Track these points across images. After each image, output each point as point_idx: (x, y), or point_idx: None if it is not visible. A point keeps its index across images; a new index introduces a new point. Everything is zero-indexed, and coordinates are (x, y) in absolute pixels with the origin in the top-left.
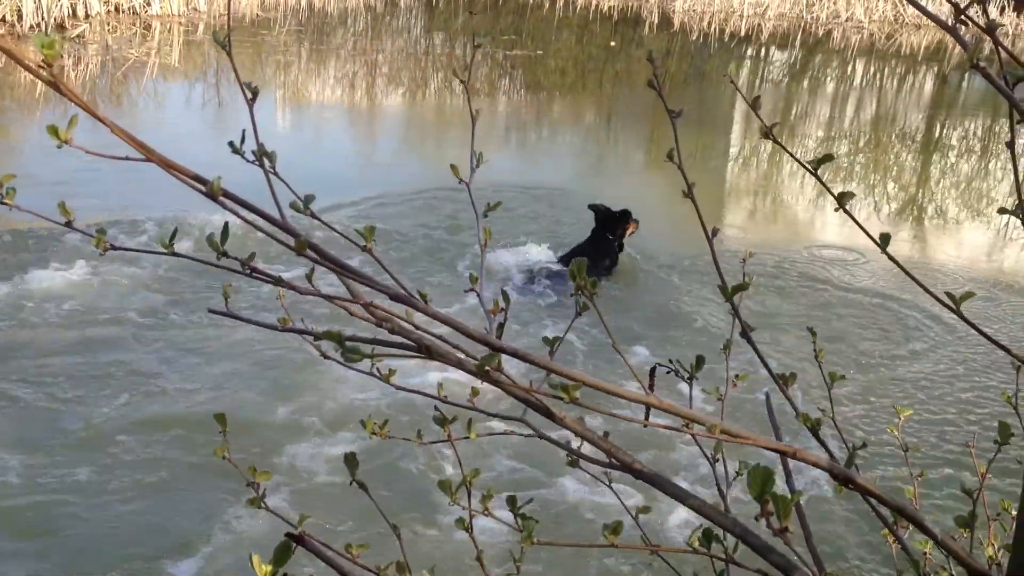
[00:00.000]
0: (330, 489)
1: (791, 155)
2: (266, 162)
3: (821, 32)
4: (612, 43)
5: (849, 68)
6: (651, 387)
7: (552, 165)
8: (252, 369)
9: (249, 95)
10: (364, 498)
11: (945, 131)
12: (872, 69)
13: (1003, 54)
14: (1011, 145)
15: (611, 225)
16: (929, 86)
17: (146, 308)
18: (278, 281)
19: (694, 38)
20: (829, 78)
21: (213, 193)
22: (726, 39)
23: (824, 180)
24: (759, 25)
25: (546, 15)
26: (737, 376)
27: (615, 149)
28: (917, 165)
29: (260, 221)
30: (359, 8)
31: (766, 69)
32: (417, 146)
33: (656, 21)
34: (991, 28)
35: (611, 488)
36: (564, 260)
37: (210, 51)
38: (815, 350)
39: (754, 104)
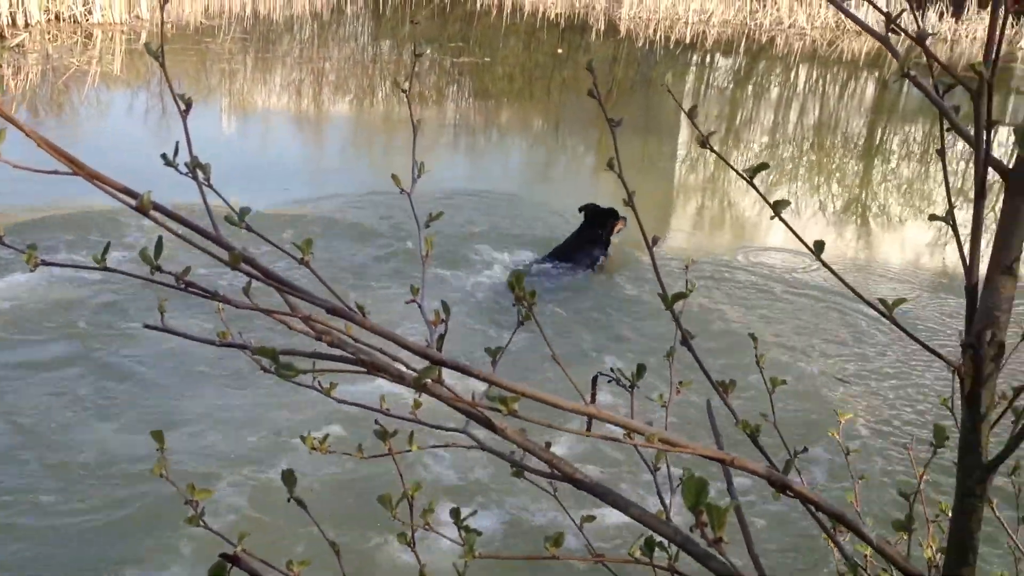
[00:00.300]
0: (307, 497)
1: (727, 163)
2: (200, 174)
3: (765, 39)
4: (559, 50)
5: (792, 74)
6: (593, 397)
7: (501, 171)
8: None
9: (183, 106)
10: (337, 507)
11: (886, 135)
12: (815, 75)
13: (935, 62)
14: (941, 152)
15: (600, 221)
16: (870, 91)
17: (94, 309)
18: (214, 295)
19: (640, 45)
20: (773, 84)
21: (143, 208)
22: (671, 46)
23: (768, 184)
24: (704, 32)
25: (493, 22)
26: (680, 383)
27: (563, 155)
28: (859, 168)
29: (195, 235)
30: (305, 16)
31: (711, 75)
32: (365, 152)
33: (603, 28)
34: (921, 38)
35: (556, 498)
36: (554, 255)
37: (152, 60)
38: (756, 356)
39: (691, 113)
